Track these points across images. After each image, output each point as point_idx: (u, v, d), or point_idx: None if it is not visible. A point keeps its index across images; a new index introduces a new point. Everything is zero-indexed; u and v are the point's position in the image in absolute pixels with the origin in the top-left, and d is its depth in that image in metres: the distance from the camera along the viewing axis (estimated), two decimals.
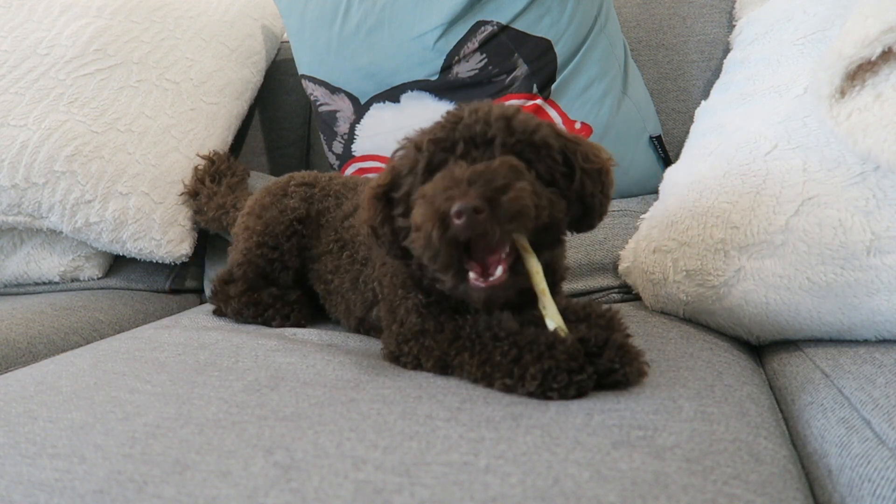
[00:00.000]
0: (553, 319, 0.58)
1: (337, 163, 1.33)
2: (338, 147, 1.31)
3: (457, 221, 0.52)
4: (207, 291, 1.22)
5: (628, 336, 0.58)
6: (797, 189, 0.71)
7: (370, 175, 1.25)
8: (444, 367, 0.63)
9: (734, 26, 1.20)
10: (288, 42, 1.45)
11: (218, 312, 0.97)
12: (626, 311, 0.88)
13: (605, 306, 0.59)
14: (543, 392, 0.54)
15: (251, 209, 0.98)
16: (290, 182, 0.97)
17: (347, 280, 0.84)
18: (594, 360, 0.55)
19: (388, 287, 0.72)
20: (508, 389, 0.56)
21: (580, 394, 0.54)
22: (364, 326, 0.83)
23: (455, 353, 0.62)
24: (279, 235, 0.92)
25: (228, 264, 0.99)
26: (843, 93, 0.65)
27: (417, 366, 0.66)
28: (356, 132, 1.27)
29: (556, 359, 0.54)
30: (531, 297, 0.59)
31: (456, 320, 0.64)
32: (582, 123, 1.15)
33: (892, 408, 0.53)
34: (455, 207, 0.52)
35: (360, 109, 1.25)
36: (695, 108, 1.07)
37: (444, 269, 0.57)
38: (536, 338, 0.56)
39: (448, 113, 0.61)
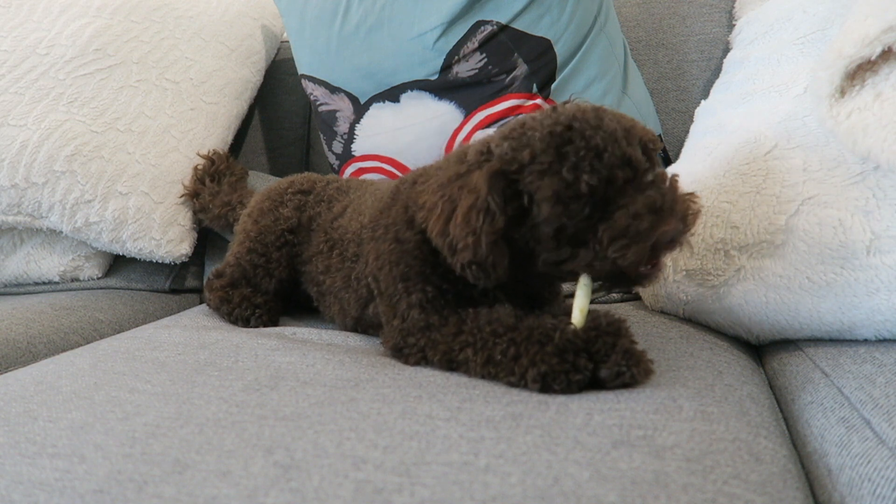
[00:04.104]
0: (574, 318, 0.60)
1: (337, 163, 1.33)
2: (337, 147, 1.31)
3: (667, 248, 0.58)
4: None
5: (634, 342, 0.59)
6: (797, 189, 0.71)
7: (369, 176, 1.25)
8: (449, 362, 0.64)
9: (734, 26, 1.19)
10: (288, 42, 1.45)
11: (209, 304, 0.99)
12: (626, 311, 0.88)
13: (615, 315, 0.60)
14: (546, 391, 0.56)
15: (251, 211, 0.99)
16: (289, 188, 0.98)
17: (339, 279, 0.84)
18: (600, 365, 0.57)
19: (386, 281, 0.72)
20: (513, 385, 0.59)
21: (581, 389, 0.56)
22: (361, 325, 0.83)
23: (459, 349, 0.63)
24: (269, 245, 0.93)
25: (225, 260, 1.00)
26: (842, 92, 0.65)
27: (422, 359, 0.67)
28: (356, 132, 1.27)
29: (549, 364, 0.56)
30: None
31: (458, 314, 0.65)
32: None
33: (892, 407, 0.53)
34: (676, 242, 0.58)
35: (360, 109, 1.25)
36: (695, 108, 1.07)
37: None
38: (531, 334, 0.58)
39: (565, 145, 0.57)
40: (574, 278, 0.62)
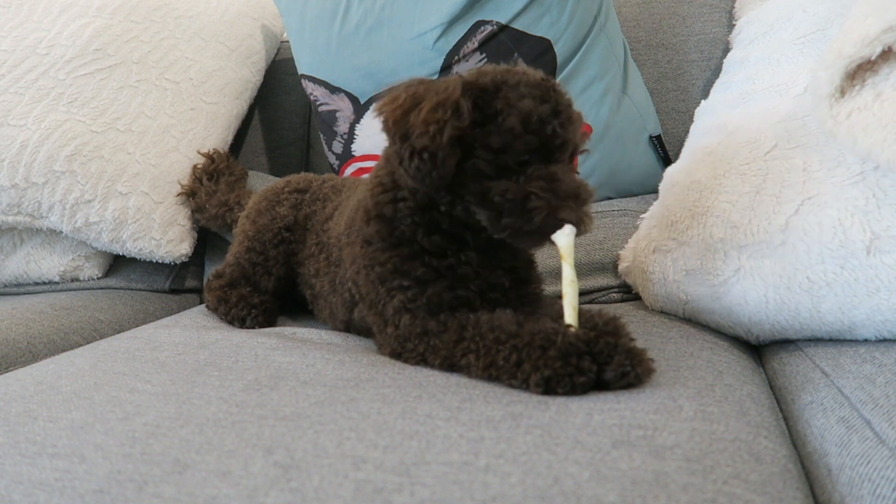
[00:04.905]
0: (568, 317, 0.60)
1: (337, 162, 1.33)
2: (337, 147, 1.31)
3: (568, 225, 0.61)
4: None
5: (633, 340, 0.59)
6: (797, 188, 0.71)
7: (365, 176, 1.25)
8: (450, 366, 0.64)
9: (734, 26, 1.20)
10: (288, 42, 1.45)
11: (207, 305, 0.99)
12: (626, 311, 0.88)
13: (612, 314, 0.61)
14: (549, 393, 0.56)
15: (249, 212, 1.00)
16: (285, 188, 0.99)
17: (327, 283, 0.84)
18: (604, 366, 0.57)
19: (365, 285, 0.72)
20: (515, 387, 0.58)
21: (585, 391, 0.56)
22: (352, 328, 0.83)
23: (461, 355, 0.63)
24: (267, 243, 0.94)
25: (224, 261, 1.00)
26: (842, 92, 0.65)
27: (422, 361, 0.67)
28: (356, 132, 1.27)
29: (552, 368, 0.55)
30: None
31: (458, 319, 0.65)
32: None
33: (892, 407, 0.53)
34: (573, 220, 0.60)
35: (360, 109, 1.25)
36: (695, 108, 1.07)
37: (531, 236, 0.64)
38: (532, 340, 0.58)
39: (549, 93, 0.63)
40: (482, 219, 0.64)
